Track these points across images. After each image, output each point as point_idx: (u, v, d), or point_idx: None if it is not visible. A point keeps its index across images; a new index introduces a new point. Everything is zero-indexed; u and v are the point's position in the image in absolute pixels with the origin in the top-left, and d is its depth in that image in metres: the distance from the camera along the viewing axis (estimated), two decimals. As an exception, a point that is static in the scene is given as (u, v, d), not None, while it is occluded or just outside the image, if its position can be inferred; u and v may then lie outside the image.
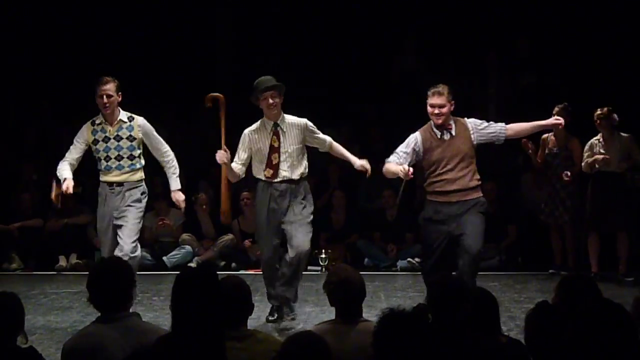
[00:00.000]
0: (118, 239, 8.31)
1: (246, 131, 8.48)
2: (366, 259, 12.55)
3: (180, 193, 8.73)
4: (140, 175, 8.55)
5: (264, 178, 8.40)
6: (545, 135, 11.39)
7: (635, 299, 5.38)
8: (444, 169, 7.98)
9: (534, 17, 14.10)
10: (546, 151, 11.42)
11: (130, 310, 4.91)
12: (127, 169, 8.45)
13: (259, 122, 8.46)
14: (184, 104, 14.64)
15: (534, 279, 11.23)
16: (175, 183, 8.71)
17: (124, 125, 8.44)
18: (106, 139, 8.42)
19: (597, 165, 10.98)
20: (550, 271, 11.45)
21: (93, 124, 8.49)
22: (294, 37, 14.22)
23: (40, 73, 14.27)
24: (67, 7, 14.40)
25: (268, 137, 8.37)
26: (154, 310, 9.27)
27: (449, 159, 7.97)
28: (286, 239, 8.42)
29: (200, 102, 14.73)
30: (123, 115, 8.47)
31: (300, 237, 8.31)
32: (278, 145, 8.34)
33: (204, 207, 12.85)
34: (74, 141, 8.53)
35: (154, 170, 13.42)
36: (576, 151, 11.33)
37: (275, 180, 8.35)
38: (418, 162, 8.16)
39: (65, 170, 8.40)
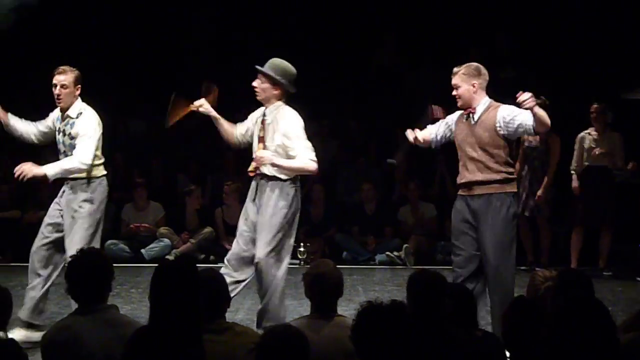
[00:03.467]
0: (66, 243, 7.78)
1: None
2: (345, 253, 12.56)
3: (39, 169, 7.70)
4: (90, 174, 7.84)
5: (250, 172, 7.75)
6: None
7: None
8: (465, 154, 7.35)
9: (513, 12, 14.14)
10: (525, 144, 11.45)
11: (108, 303, 4.90)
12: None
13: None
14: (163, 97, 14.61)
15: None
16: (52, 165, 7.76)
17: (70, 121, 7.85)
18: (59, 131, 7.91)
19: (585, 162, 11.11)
20: (522, 268, 11.48)
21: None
22: (272, 33, 14.22)
23: (17, 64, 14.20)
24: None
25: (258, 123, 7.77)
26: (131, 302, 9.25)
27: (471, 146, 7.31)
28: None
29: (179, 94, 14.71)
30: (74, 109, 7.85)
31: (258, 246, 7.61)
32: (263, 135, 7.68)
33: (199, 200, 12.86)
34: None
35: (132, 162, 13.47)
36: (554, 148, 11.38)
37: (258, 172, 7.68)
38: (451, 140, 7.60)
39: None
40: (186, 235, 12.61)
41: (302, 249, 12.05)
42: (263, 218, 7.59)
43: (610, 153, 11.12)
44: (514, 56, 14.03)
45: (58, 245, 7.90)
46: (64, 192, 7.98)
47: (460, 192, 7.46)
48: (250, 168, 7.73)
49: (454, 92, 7.42)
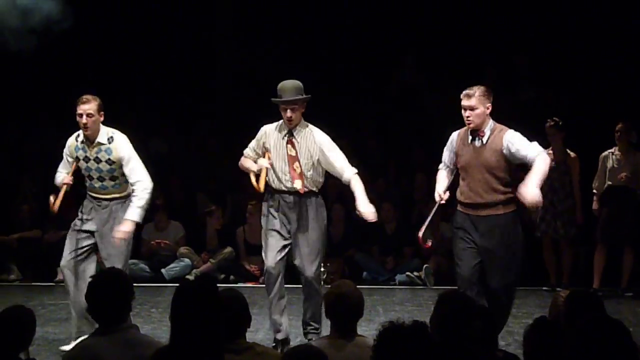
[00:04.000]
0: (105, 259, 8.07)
1: (265, 126, 8.07)
2: (364, 273, 12.53)
3: (128, 225, 8.01)
4: (128, 190, 8.15)
5: (285, 189, 7.95)
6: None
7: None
8: (470, 176, 7.52)
9: (532, 33, 14.14)
10: None
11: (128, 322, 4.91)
12: (112, 189, 8.13)
13: (279, 122, 8.03)
14: (184, 116, 14.68)
15: (533, 294, 11.21)
16: (130, 212, 8.03)
17: (103, 148, 8.05)
18: (86, 159, 8.11)
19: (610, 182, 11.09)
20: (544, 288, 11.44)
21: (77, 139, 8.18)
22: (293, 55, 14.24)
23: (40, 85, 14.28)
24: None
25: (283, 144, 7.95)
26: (152, 322, 9.27)
27: (476, 168, 7.48)
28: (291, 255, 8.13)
29: (199, 114, 14.81)
30: (103, 135, 8.06)
31: (307, 264, 8.08)
32: (295, 154, 7.91)
33: (220, 220, 12.87)
34: (63, 155, 8.29)
35: (152, 181, 13.48)
36: (575, 168, 11.37)
37: (293, 190, 7.93)
38: None
39: (60, 177, 8.30)
40: (206, 255, 12.62)
41: (322, 269, 12.03)
42: (309, 234, 8.02)
43: (634, 174, 11.06)
44: (533, 76, 14.01)
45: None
46: (91, 209, 8.17)
47: (462, 210, 7.66)
48: (298, 187, 7.93)
49: (468, 113, 7.52)
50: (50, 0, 8.16)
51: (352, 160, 14.38)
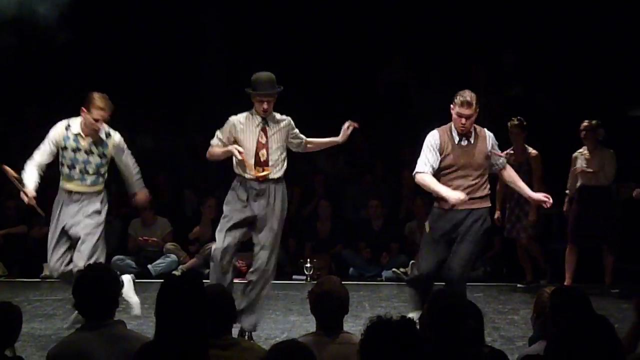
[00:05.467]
0: (76, 251, 8.21)
1: (232, 118, 8.15)
2: (351, 269, 12.55)
3: (145, 196, 8.83)
4: (101, 188, 8.38)
5: (252, 177, 8.05)
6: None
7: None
8: (456, 175, 7.74)
9: (520, 30, 14.16)
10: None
11: (115, 318, 4.89)
12: (89, 183, 8.30)
13: (247, 113, 8.15)
14: (171, 112, 14.65)
15: (519, 290, 11.25)
16: (138, 185, 8.69)
17: (99, 142, 8.28)
18: (76, 150, 8.24)
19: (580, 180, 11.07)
20: (519, 285, 11.48)
21: (67, 129, 8.29)
22: (281, 52, 14.23)
23: (25, 80, 14.22)
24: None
25: (255, 131, 8.07)
26: (137, 317, 9.23)
27: (462, 166, 7.74)
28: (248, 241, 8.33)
29: (186, 110, 14.74)
30: (101, 131, 8.28)
31: (264, 257, 8.09)
32: (265, 142, 8.06)
33: (212, 210, 12.86)
34: (46, 141, 8.35)
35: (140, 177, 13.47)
36: (536, 165, 11.30)
37: (259, 177, 8.05)
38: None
39: (30, 176, 8.37)
40: (193, 247, 12.61)
41: (308, 265, 12.04)
42: (271, 222, 8.07)
43: (600, 171, 11.00)
44: (521, 73, 14.03)
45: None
46: (62, 203, 8.32)
47: (437, 204, 7.83)
48: (263, 174, 8.07)
49: (465, 121, 7.71)
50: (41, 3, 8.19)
51: (340, 158, 14.44)
